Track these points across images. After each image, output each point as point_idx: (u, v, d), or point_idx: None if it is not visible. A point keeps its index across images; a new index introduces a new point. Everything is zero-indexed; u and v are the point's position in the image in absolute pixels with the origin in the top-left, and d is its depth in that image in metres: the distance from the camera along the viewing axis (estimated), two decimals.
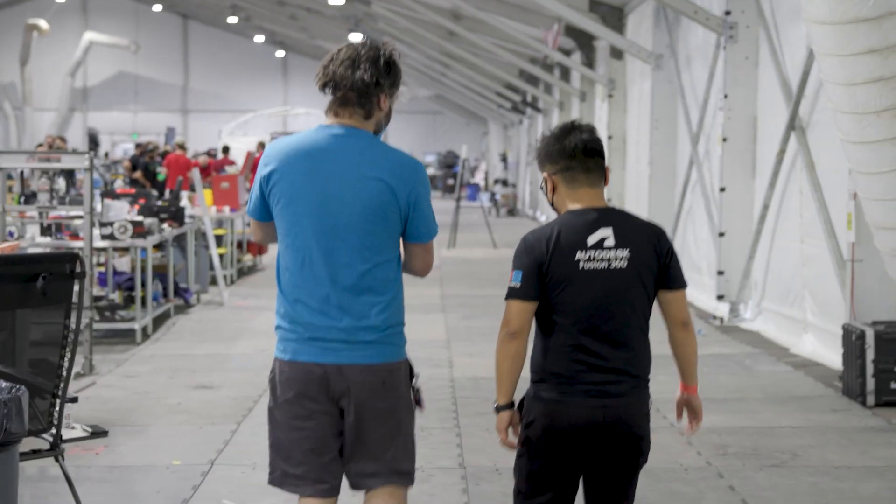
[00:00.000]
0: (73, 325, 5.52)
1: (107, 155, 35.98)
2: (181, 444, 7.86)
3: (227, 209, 17.57)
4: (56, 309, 5.48)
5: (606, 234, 4.25)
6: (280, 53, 55.94)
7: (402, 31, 32.53)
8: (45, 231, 12.04)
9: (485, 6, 23.16)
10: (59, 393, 5.56)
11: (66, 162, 10.44)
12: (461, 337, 12.35)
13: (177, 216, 13.49)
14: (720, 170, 14.06)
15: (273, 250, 20.98)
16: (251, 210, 4.38)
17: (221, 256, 17.21)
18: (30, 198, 11.15)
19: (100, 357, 11.00)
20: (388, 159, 4.24)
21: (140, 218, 12.44)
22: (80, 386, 9.57)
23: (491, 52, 28.29)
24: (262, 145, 27.49)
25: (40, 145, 26.96)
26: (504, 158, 45.49)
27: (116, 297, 12.80)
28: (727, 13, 13.74)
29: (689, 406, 4.53)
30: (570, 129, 4.39)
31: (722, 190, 13.99)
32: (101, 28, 53.96)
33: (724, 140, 13.92)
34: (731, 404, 9.13)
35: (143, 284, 12.24)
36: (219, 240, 17.29)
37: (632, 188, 20.79)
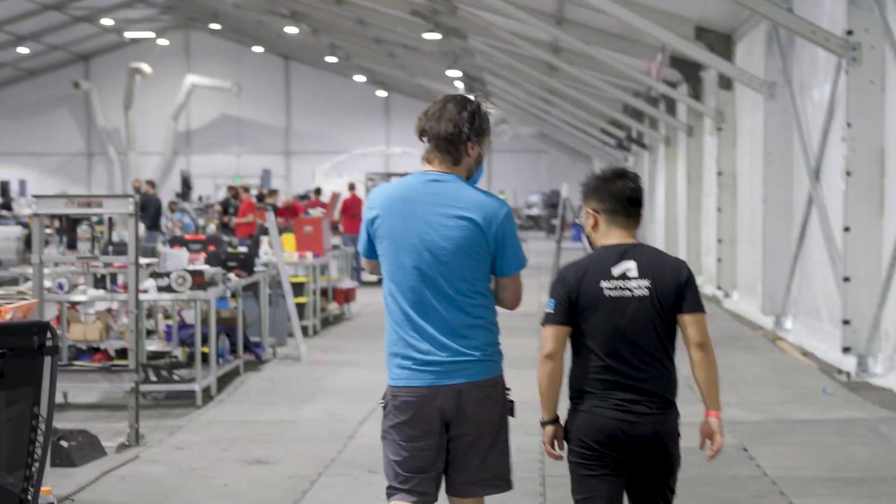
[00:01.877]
0: (43, 412, 4.41)
1: (200, 199, 35.35)
2: None
3: (309, 255, 16.53)
4: (23, 391, 4.39)
5: (630, 266, 4.76)
6: (382, 93, 55.33)
7: (502, 66, 31.49)
8: (99, 283, 11.07)
9: (585, 37, 21.97)
10: (29, 498, 4.45)
11: (109, 207, 9.40)
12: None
13: (246, 264, 12.45)
14: (844, 207, 12.65)
15: (360, 298, 19.94)
16: (362, 249, 4.91)
17: (302, 306, 16.16)
18: (71, 246, 10.12)
19: (153, 423, 9.97)
20: (475, 200, 4.72)
21: (202, 267, 11.42)
22: (122, 460, 8.52)
23: (593, 85, 27.08)
24: (351, 187, 26.56)
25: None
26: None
27: (179, 353, 11.76)
28: (849, 33, 12.37)
29: (711, 433, 4.90)
30: (621, 174, 4.88)
31: (846, 230, 12.59)
32: (203, 71, 53.90)
33: (848, 174, 12.52)
34: (871, 486, 7.75)
35: (206, 340, 11.19)
36: (300, 288, 16.26)
37: (744, 228, 19.36)
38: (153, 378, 10.85)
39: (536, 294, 22.17)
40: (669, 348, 4.81)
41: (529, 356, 13.72)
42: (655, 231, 31.20)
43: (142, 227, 25.34)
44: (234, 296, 14.46)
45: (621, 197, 4.84)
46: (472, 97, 4.86)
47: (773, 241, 16.48)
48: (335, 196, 20.88)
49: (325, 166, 32.01)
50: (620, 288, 4.74)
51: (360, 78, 51.37)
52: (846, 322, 12.62)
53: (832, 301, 13.87)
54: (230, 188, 24.05)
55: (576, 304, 4.74)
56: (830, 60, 13.81)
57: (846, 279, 12.61)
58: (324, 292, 17.76)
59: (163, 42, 51.98)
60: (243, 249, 16.35)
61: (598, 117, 34.02)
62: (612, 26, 22.69)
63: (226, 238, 13.92)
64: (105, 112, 53.16)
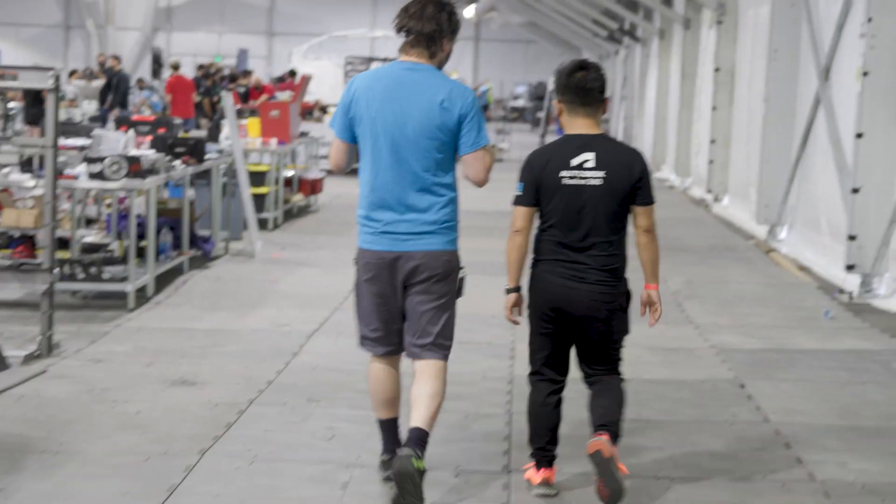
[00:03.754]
0: None
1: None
2: (107, 495, 5.52)
3: (273, 141, 15.29)
4: None
5: (588, 157, 5.37)
6: None
7: None
8: (26, 166, 9.88)
9: None
10: None
11: (25, 80, 8.13)
12: None
13: (195, 151, 11.23)
14: (858, 111, 11.47)
15: (329, 189, 18.79)
16: (338, 131, 5.42)
17: (263, 197, 14.97)
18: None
19: (74, 328, 8.85)
20: (444, 86, 5.34)
21: (142, 152, 10.22)
22: (25, 375, 7.40)
23: None
24: (292, 73, 25.17)
25: (73, 72, 24.88)
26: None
27: (116, 247, 10.61)
28: None
29: (650, 302, 5.57)
30: (580, 66, 5.47)
31: (858, 136, 11.43)
32: None
33: (865, 74, 11.33)
34: (890, 439, 6.67)
35: (139, 234, 10.03)
36: (261, 177, 15.05)
37: (741, 128, 18.14)
38: (80, 275, 9.67)
39: (512, 191, 21.07)
40: (618, 230, 5.45)
41: (500, 261, 12.66)
42: (644, 128, 29.93)
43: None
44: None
45: (577, 87, 5.44)
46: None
47: (772, 145, 15.30)
48: (305, 79, 19.55)
49: (302, 48, 30.57)
50: (578, 177, 5.38)
51: None
52: (852, 237, 11.52)
53: (835, 213, 12.75)
54: (200, 66, 22.66)
55: (539, 188, 5.40)
56: None
57: (855, 190, 11.48)
58: (289, 182, 16.54)
59: None
60: (198, 132, 15.19)
61: (590, 7, 32.54)
62: None
63: (178, 121, 12.64)
64: None
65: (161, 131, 11.95)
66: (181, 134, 12.36)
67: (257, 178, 15.00)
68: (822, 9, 13.86)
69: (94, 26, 51.19)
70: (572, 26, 38.68)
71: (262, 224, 14.85)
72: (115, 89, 24.14)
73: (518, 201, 5.46)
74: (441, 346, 5.44)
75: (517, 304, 5.52)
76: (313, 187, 17.27)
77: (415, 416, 5.34)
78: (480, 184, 5.47)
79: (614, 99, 38.14)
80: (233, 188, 13.22)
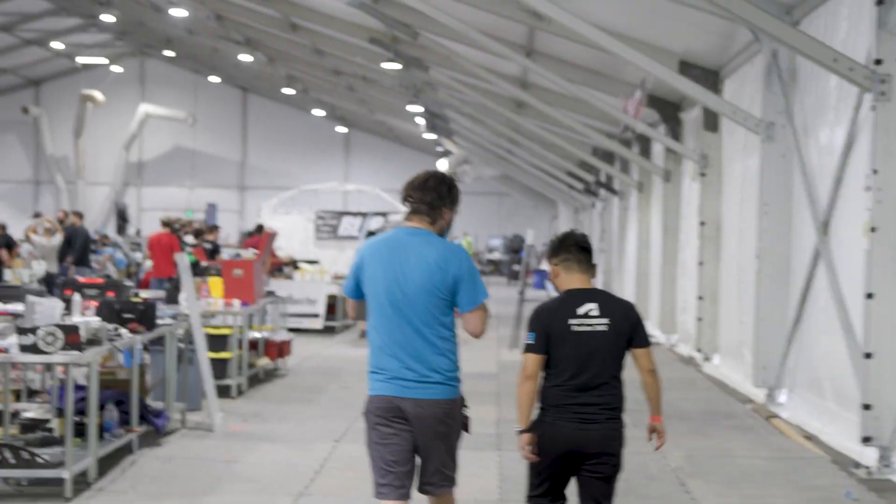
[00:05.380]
0: None
1: (138, 232, 33.04)
2: None
3: (236, 302, 14.32)
4: None
5: (592, 307, 6.01)
6: (341, 129, 53.34)
7: (466, 102, 29.51)
8: None
9: (557, 71, 19.97)
10: None
11: None
12: (521, 494, 8.69)
13: (145, 316, 10.24)
14: (867, 270, 10.60)
15: (299, 350, 17.80)
16: (348, 291, 6.10)
17: (226, 362, 13.94)
18: None
19: None
20: (440, 249, 5.94)
21: (83, 319, 9.23)
22: None
23: (562, 124, 25.14)
24: (259, 228, 24.41)
25: (30, 227, 23.96)
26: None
27: (56, 426, 9.54)
28: (877, 62, 10.38)
29: (656, 430, 6.18)
30: (570, 232, 6.27)
31: (869, 296, 10.54)
32: (157, 100, 51.95)
33: (873, 230, 10.50)
34: None
35: (81, 411, 8.98)
36: (223, 341, 14.04)
37: (729, 285, 17.30)
38: (11, 460, 8.58)
39: (495, 350, 20.09)
40: (620, 371, 6.02)
41: (485, 433, 11.64)
42: (625, 283, 29.15)
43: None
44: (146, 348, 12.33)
45: (569, 246, 6.12)
46: (447, 174, 6.11)
47: (767, 303, 14.40)
48: (269, 235, 18.67)
49: (272, 202, 29.84)
50: (585, 325, 5.96)
51: (319, 112, 49.39)
52: (867, 407, 10.55)
53: (840, 376, 11.82)
54: (165, 223, 21.80)
55: (549, 337, 5.91)
56: (845, 96, 11.86)
57: (867, 355, 10.55)
58: (255, 345, 15.51)
59: (116, 69, 49.78)
60: (156, 294, 14.23)
61: (566, 159, 32.06)
62: (587, 60, 20.76)
63: (130, 283, 11.68)
64: (55, 139, 51.12)
65: (109, 295, 10.96)
66: (133, 297, 11.35)
67: (219, 341, 14.02)
68: (815, 160, 13.12)
69: (63, 182, 50.66)
70: (547, 179, 38.22)
71: (225, 391, 13.81)
72: (73, 246, 23.20)
73: (530, 349, 5.98)
74: (449, 478, 6.02)
75: (531, 442, 5.99)
76: (280, 350, 16.25)
77: None
78: (477, 336, 6.08)
79: (593, 252, 37.49)
80: (190, 354, 12.21)
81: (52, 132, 50.88)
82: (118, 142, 51.13)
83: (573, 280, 6.08)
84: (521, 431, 5.99)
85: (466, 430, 6.07)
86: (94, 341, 9.06)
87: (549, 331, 5.95)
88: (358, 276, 6.02)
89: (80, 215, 24.78)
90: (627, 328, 6.00)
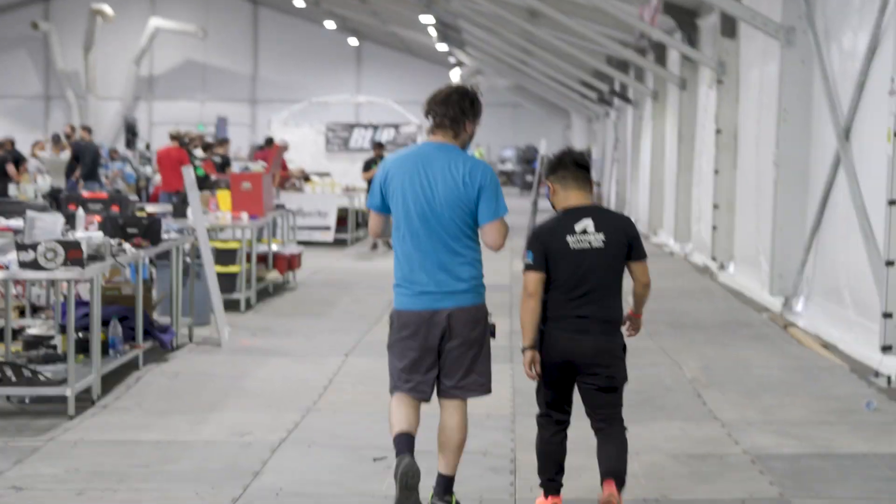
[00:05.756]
0: None
1: (148, 146, 32.74)
2: None
3: (245, 216, 14.09)
4: None
5: (588, 223, 6.07)
6: (353, 41, 52.75)
7: (479, 12, 28.99)
8: None
9: None
10: None
11: None
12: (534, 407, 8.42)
13: (150, 232, 10.01)
14: (889, 176, 10.31)
15: (309, 264, 17.64)
16: (373, 204, 6.19)
17: (234, 276, 13.75)
18: None
19: (1, 444, 7.58)
20: (465, 163, 6.07)
21: (86, 234, 9.00)
22: None
23: (577, 33, 24.64)
24: (269, 142, 24.00)
25: (37, 143, 23.68)
26: (588, 154, 41.63)
27: (59, 342, 9.35)
28: None
29: (632, 322, 6.31)
30: (567, 150, 6.33)
31: (891, 203, 10.27)
32: (167, 14, 51.27)
33: None
34: None
35: (84, 327, 8.79)
36: (231, 255, 13.84)
37: (746, 193, 17.00)
38: (12, 377, 8.39)
39: (508, 260, 19.84)
40: (618, 285, 6.10)
41: (498, 344, 11.41)
42: (638, 192, 28.83)
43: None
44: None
45: (567, 163, 6.17)
46: (469, 87, 6.22)
47: (785, 211, 14.12)
48: (279, 148, 18.35)
49: (282, 115, 29.42)
50: (583, 241, 6.03)
51: (330, 24, 48.78)
52: (887, 315, 10.34)
53: (860, 285, 11.58)
54: (173, 136, 21.43)
55: (547, 255, 6.00)
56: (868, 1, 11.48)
57: (889, 263, 10.31)
58: (262, 259, 15.30)
59: None
60: (164, 208, 14.00)
61: (579, 69, 31.58)
62: None
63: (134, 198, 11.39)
64: (64, 54, 50.47)
65: (114, 209, 10.73)
66: (139, 211, 11.10)
67: (227, 256, 13.81)
68: (837, 66, 12.76)
69: (74, 97, 50.27)
70: (560, 89, 37.72)
71: (234, 305, 13.63)
72: (82, 161, 22.96)
73: (529, 268, 6.06)
74: (482, 383, 6.18)
75: (535, 360, 6.07)
76: (290, 263, 16.03)
77: (443, 463, 6.12)
78: (497, 249, 6.17)
79: (605, 162, 37.10)
80: (197, 269, 12.01)
81: (61, 47, 50.32)
82: (128, 56, 50.58)
83: (570, 197, 6.13)
84: (525, 349, 6.08)
85: (493, 335, 6.18)
86: (96, 257, 8.83)
87: (547, 249, 6.03)
88: (383, 189, 6.12)
89: (88, 130, 24.50)
90: (624, 242, 6.08)
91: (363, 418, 8.52)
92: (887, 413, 8.84)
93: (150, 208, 13.74)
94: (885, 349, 10.29)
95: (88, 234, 9.21)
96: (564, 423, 6.22)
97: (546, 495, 6.27)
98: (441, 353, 6.06)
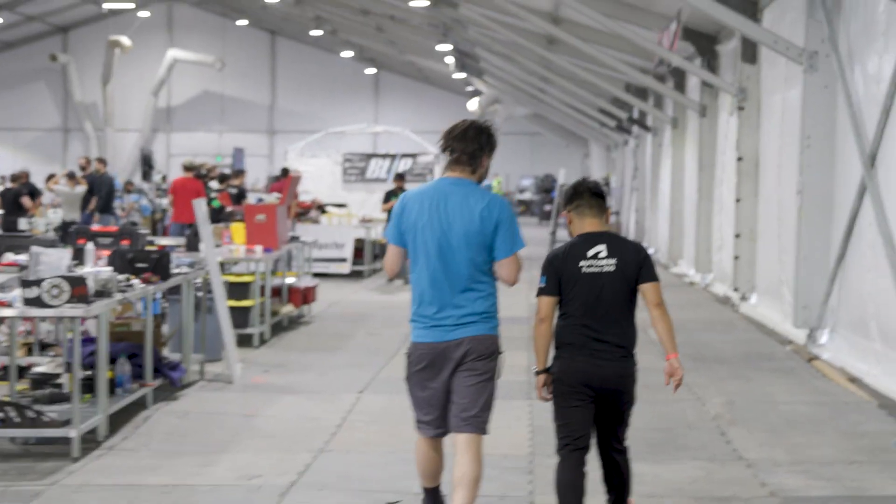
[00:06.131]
0: None
1: (164, 178, 32.63)
2: None
3: (259, 249, 13.87)
4: None
5: (601, 248, 6.23)
6: (371, 70, 52.69)
7: (496, 39, 28.83)
8: None
9: (590, 4, 19.29)
10: None
11: None
12: (552, 447, 7.97)
13: (159, 266, 9.79)
14: None
15: (325, 296, 17.42)
16: (391, 237, 6.26)
17: (248, 310, 13.52)
18: None
19: (2, 489, 7.34)
20: (482, 197, 6.13)
21: (93, 269, 8.78)
22: None
23: (595, 60, 24.43)
24: (284, 172, 23.79)
25: (51, 176, 23.54)
26: (607, 183, 41.39)
27: (66, 381, 9.12)
28: None
29: (672, 371, 6.18)
30: (583, 180, 6.47)
31: None
32: (185, 45, 51.35)
33: None
34: None
35: (91, 365, 8.56)
36: (245, 288, 13.61)
37: (768, 222, 16.70)
38: (15, 418, 8.16)
39: (525, 292, 19.55)
40: (631, 311, 6.22)
41: (516, 380, 11.19)
42: (658, 221, 28.54)
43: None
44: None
45: (582, 193, 6.32)
46: (484, 122, 6.27)
47: (809, 240, 13.83)
48: (293, 178, 18.14)
49: (298, 145, 29.26)
50: (595, 266, 6.17)
51: (347, 53, 48.79)
52: None
53: (887, 316, 11.29)
54: (187, 168, 21.28)
55: (560, 280, 6.16)
56: (894, 21, 11.21)
57: None
58: (276, 293, 15.07)
59: (144, 14, 49.10)
60: (176, 241, 13.81)
61: (598, 96, 31.39)
62: None
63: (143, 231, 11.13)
64: (83, 86, 50.62)
65: (124, 243, 10.52)
66: (150, 245, 10.86)
67: (241, 289, 13.59)
68: (861, 90, 12.50)
69: (92, 129, 50.31)
70: (578, 117, 37.53)
71: (247, 340, 13.40)
72: (97, 193, 22.82)
73: (542, 292, 6.22)
74: (478, 419, 6.13)
75: (547, 383, 6.21)
76: (305, 296, 15.81)
77: (457, 499, 6.05)
78: (511, 284, 6.22)
79: (625, 190, 36.86)
80: (209, 303, 11.78)
81: (80, 79, 50.43)
82: (146, 88, 50.61)
83: (585, 225, 6.29)
84: (538, 372, 6.23)
85: (499, 373, 6.20)
86: (103, 293, 8.61)
87: (560, 273, 6.19)
88: (401, 223, 6.18)
89: (103, 162, 24.39)
90: (635, 266, 6.19)
91: (377, 459, 8.26)
92: None
93: (162, 241, 13.55)
94: None
95: (96, 269, 8.99)
96: (584, 450, 6.24)
97: None
98: (451, 382, 6.13)
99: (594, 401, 6.17)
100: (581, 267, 6.15)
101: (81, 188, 22.65)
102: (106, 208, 23.41)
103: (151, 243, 12.12)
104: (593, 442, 6.30)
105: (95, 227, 12.57)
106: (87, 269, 9.02)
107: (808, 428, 9.42)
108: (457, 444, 6.11)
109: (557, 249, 6.33)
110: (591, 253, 6.17)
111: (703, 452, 8.55)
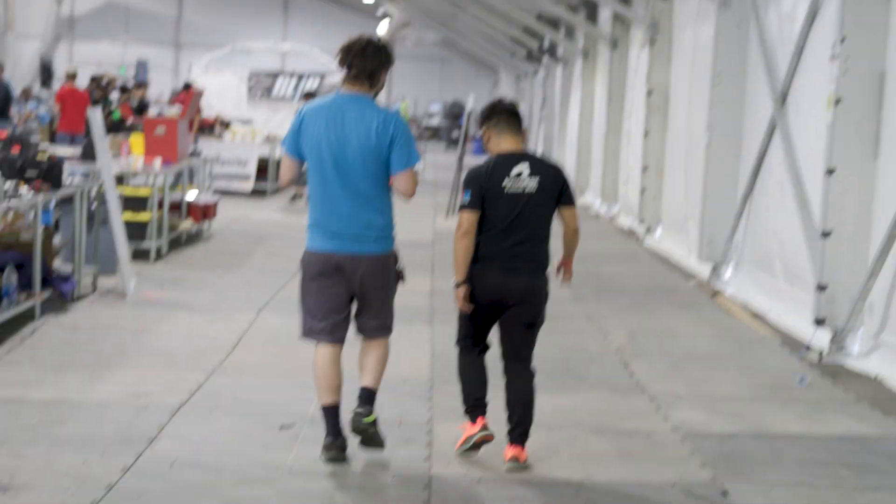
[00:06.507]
0: None
1: None
2: None
3: (157, 162, 13.46)
4: None
5: (523, 168, 6.38)
6: None
7: None
8: None
9: None
10: None
11: None
12: (453, 373, 7.13)
13: (50, 174, 9.38)
14: (828, 144, 9.97)
15: (227, 212, 17.08)
16: (289, 147, 6.36)
17: (144, 224, 13.13)
18: None
19: None
20: (378, 113, 6.28)
21: None
22: None
23: None
24: (187, 86, 23.19)
25: None
26: None
27: None
28: None
29: (565, 267, 6.64)
30: (500, 99, 6.66)
31: (829, 172, 9.92)
32: None
33: (838, 102, 9.83)
34: None
35: None
36: (142, 202, 13.21)
37: (677, 156, 16.63)
38: None
39: (431, 216, 19.38)
40: (547, 230, 6.44)
41: (418, 305, 11.00)
42: (566, 151, 28.45)
43: None
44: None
45: (500, 110, 6.51)
46: (380, 38, 6.40)
47: (716, 176, 13.81)
48: (195, 93, 17.64)
49: (204, 60, 28.59)
50: (517, 185, 6.33)
51: None
52: (821, 288, 10.01)
53: (793, 255, 11.27)
54: (93, 78, 20.66)
55: (483, 196, 6.27)
56: None
57: (825, 234, 9.97)
58: (175, 207, 14.65)
59: None
60: (68, 151, 13.36)
61: (509, 25, 31.05)
62: None
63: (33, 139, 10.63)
64: None
65: (15, 150, 10.07)
66: (40, 154, 10.38)
67: (138, 203, 13.18)
68: (774, 28, 12.40)
69: None
70: (489, 45, 37.21)
71: (144, 255, 13.04)
72: None
73: (465, 207, 6.31)
74: (385, 326, 6.42)
75: (467, 294, 6.35)
76: (205, 212, 15.42)
77: (365, 378, 6.35)
78: (408, 197, 6.34)
79: (533, 120, 36.71)
80: (104, 215, 11.38)
81: None
82: None
83: (504, 142, 6.43)
84: (458, 284, 6.37)
85: (402, 279, 6.44)
86: None
87: (483, 190, 6.28)
88: (298, 135, 6.29)
89: (0, 67, 23.55)
90: (556, 188, 6.36)
91: (271, 381, 8.03)
92: (820, 390, 8.50)
93: (58, 150, 13.07)
94: (819, 322, 9.97)
95: None
96: (482, 349, 6.52)
97: (473, 419, 6.41)
98: (354, 296, 6.30)
99: (499, 315, 6.38)
100: (504, 186, 6.27)
101: None
102: (1, 114, 22.64)
103: (44, 151, 11.66)
104: (497, 355, 6.51)
105: None
106: None
107: (709, 362, 9.37)
108: (367, 345, 6.39)
109: (480, 166, 6.41)
110: (514, 172, 6.30)
111: (605, 384, 8.44)
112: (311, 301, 6.29)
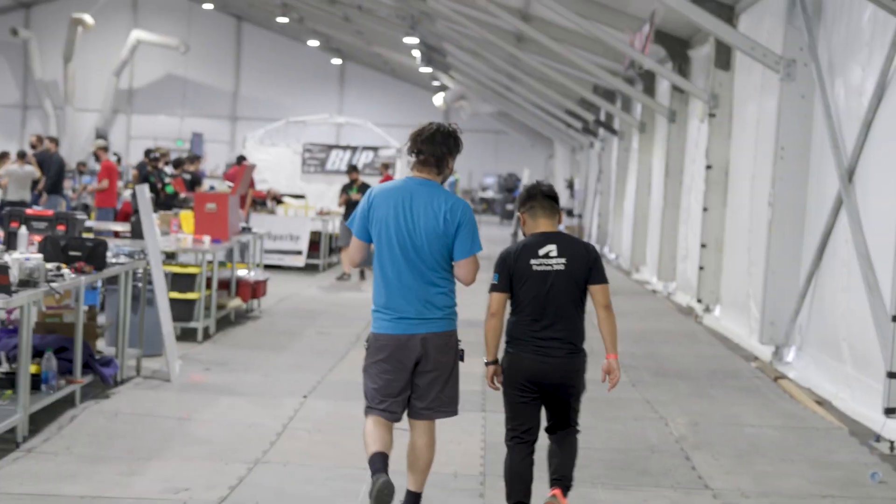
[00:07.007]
0: None
1: (119, 161, 31.82)
2: None
3: (207, 239, 13.23)
4: None
5: (552, 247, 6.51)
6: (336, 61, 51.99)
7: (464, 35, 28.27)
8: None
9: (561, 1, 18.73)
10: None
11: None
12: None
13: (94, 255, 9.14)
14: None
15: (275, 290, 16.81)
16: (357, 231, 6.52)
17: (192, 303, 12.88)
18: None
19: None
20: (447, 200, 6.44)
21: (20, 256, 8.13)
22: None
23: (564, 59, 23.91)
24: (240, 160, 23.04)
25: (4, 155, 22.73)
26: (570, 185, 40.89)
27: None
28: None
29: (609, 370, 6.46)
30: (536, 183, 6.76)
31: None
32: (150, 26, 50.45)
33: None
34: None
35: (12, 358, 7.91)
36: (190, 281, 12.97)
37: (738, 233, 16.21)
38: None
39: (485, 295, 18.99)
40: (579, 309, 6.56)
41: (470, 390, 10.57)
42: (622, 226, 28.07)
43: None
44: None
45: (535, 195, 6.68)
46: (451, 124, 6.59)
47: (779, 254, 13.34)
48: (247, 167, 17.47)
49: (258, 133, 28.54)
50: (545, 264, 6.49)
51: (313, 43, 48.05)
52: (892, 375, 9.54)
53: (859, 338, 10.80)
54: (147, 151, 20.60)
55: (512, 277, 6.49)
56: (880, 31, 10.74)
57: (895, 318, 9.51)
58: (224, 286, 14.41)
59: None
60: (119, 227, 13.18)
61: (565, 97, 30.86)
62: None
63: (81, 216, 10.42)
64: (44, 63, 49.57)
65: (59, 229, 9.86)
66: (87, 232, 10.18)
67: (186, 281, 12.94)
68: (841, 102, 12.01)
69: (52, 107, 49.35)
70: (545, 117, 37.02)
71: (191, 335, 12.78)
72: (45, 173, 22.08)
73: (494, 289, 6.50)
74: (449, 404, 6.52)
75: (497, 373, 6.51)
76: (255, 290, 15.16)
77: (412, 482, 6.46)
78: (468, 284, 6.50)
79: (588, 193, 36.35)
80: (150, 295, 11.13)
81: (41, 56, 49.43)
82: (108, 68, 49.69)
83: (538, 225, 6.60)
84: (488, 363, 6.51)
85: (461, 359, 6.53)
86: (29, 282, 7.98)
87: (512, 271, 6.48)
88: (367, 217, 6.46)
89: (55, 141, 23.61)
90: (584, 266, 6.48)
91: (317, 473, 7.67)
92: (894, 486, 8.02)
93: (112, 226, 12.90)
94: (889, 412, 9.50)
95: (24, 256, 8.33)
96: (532, 446, 6.54)
97: None
98: (414, 377, 6.41)
99: (542, 395, 6.48)
100: (532, 265, 6.45)
101: (30, 167, 21.87)
102: (55, 189, 22.66)
103: (90, 230, 11.46)
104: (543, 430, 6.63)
105: (35, 209, 11.86)
106: (14, 256, 8.37)
107: (775, 454, 8.91)
108: (414, 427, 6.48)
109: (510, 248, 6.62)
110: (542, 252, 6.47)
111: (667, 479, 8.01)
112: (373, 382, 6.45)
